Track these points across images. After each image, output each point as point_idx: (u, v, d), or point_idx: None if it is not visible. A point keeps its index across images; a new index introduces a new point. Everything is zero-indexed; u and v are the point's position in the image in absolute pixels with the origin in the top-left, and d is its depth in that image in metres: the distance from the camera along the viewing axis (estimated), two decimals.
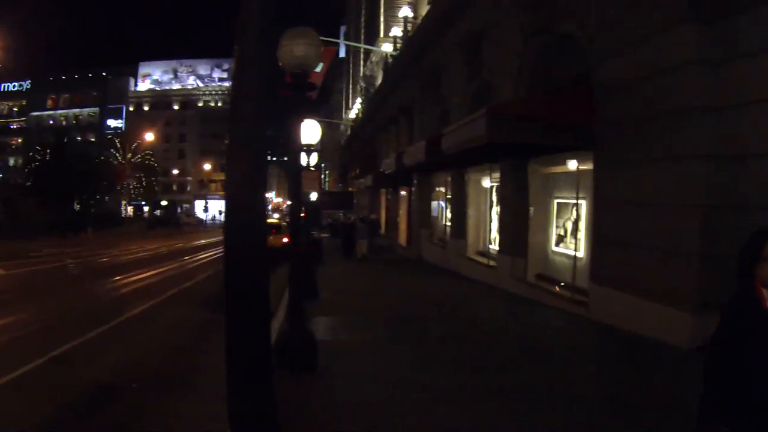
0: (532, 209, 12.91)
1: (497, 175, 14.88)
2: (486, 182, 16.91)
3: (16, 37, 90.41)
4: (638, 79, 8.03)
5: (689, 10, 6.91)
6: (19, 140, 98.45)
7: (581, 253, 10.71)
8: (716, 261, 6.46)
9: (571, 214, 11.36)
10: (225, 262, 2.88)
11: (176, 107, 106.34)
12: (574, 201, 11.11)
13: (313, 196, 16.35)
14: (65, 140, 59.10)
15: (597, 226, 9.45)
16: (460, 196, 18.36)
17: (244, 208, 2.96)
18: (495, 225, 15.92)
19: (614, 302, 8.54)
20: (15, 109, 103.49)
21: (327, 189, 65.41)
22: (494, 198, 16.14)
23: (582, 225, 10.78)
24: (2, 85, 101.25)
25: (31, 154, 63.90)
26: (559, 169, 12.24)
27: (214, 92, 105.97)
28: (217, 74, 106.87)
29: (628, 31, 8.29)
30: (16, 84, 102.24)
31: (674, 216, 7.29)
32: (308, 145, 12.10)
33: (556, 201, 12.35)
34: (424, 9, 26.04)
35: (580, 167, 10.75)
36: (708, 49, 6.71)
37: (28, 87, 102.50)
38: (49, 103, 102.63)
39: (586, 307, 9.54)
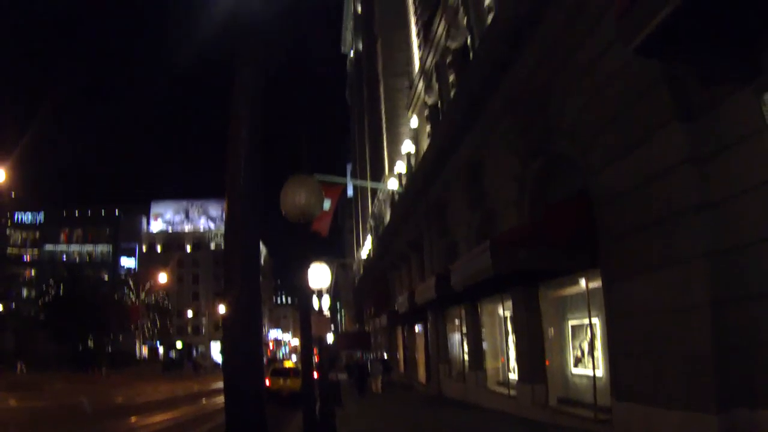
0: (551, 330, 12.58)
1: (510, 303, 14.61)
2: (500, 311, 16.59)
3: (29, 168, 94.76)
4: (633, 188, 8.01)
5: (672, 111, 6.99)
6: (32, 272, 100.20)
7: (600, 372, 10.28)
8: (732, 356, 6.22)
9: (586, 334, 11.00)
10: (225, 399, 2.98)
11: (189, 248, 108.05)
12: (588, 320, 10.78)
13: (330, 338, 16.16)
14: (78, 277, 59.70)
15: (612, 340, 9.13)
16: (476, 327, 18.01)
17: (241, 345, 3.04)
18: (512, 353, 15.42)
19: (638, 416, 8.06)
20: (28, 240, 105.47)
21: (343, 329, 64.67)
22: (509, 326, 15.75)
23: (598, 343, 10.41)
24: (16, 215, 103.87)
25: (44, 287, 64.46)
26: (569, 290, 12.02)
27: None
28: None
29: (616, 142, 8.38)
30: (29, 215, 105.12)
31: (684, 318, 7.01)
32: (320, 289, 12.08)
33: (570, 323, 12.00)
34: (425, 143, 26.92)
35: (590, 285, 10.52)
36: (695, 146, 6.72)
37: (42, 220, 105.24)
38: (63, 237, 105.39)
39: (610, 426, 9.02)
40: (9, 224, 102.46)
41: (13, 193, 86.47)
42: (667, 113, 7.04)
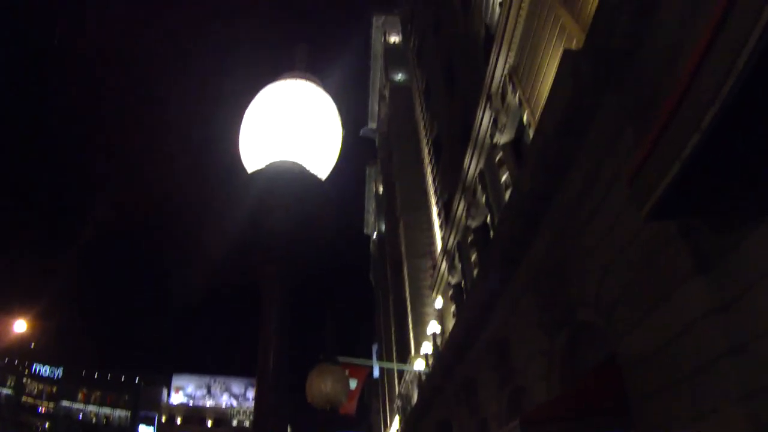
0: None
1: None
2: None
3: (51, 323, 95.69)
4: (660, 346, 7.79)
5: (691, 264, 6.95)
6: (47, 425, 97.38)
7: None
8: None
9: None
10: None
11: (210, 423, 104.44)
12: None
13: None
14: None
15: None
16: None
17: None
18: None
19: None
20: (44, 392, 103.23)
21: None
22: None
23: None
24: (34, 366, 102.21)
25: None
26: None
27: (248, 412, 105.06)
28: (251, 393, 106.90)
29: (638, 305, 8.28)
30: (48, 368, 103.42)
31: None
32: None
33: None
34: (451, 323, 26.76)
35: None
36: (717, 294, 6.59)
37: (60, 375, 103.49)
38: (80, 396, 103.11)
39: None
40: (26, 373, 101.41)
41: (32, 344, 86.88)
42: (686, 266, 7.05)
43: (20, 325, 40.39)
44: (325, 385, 6.53)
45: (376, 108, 73.27)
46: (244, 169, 3.94)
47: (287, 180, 3.57)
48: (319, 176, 3.78)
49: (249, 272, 3.43)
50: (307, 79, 4.11)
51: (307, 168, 3.73)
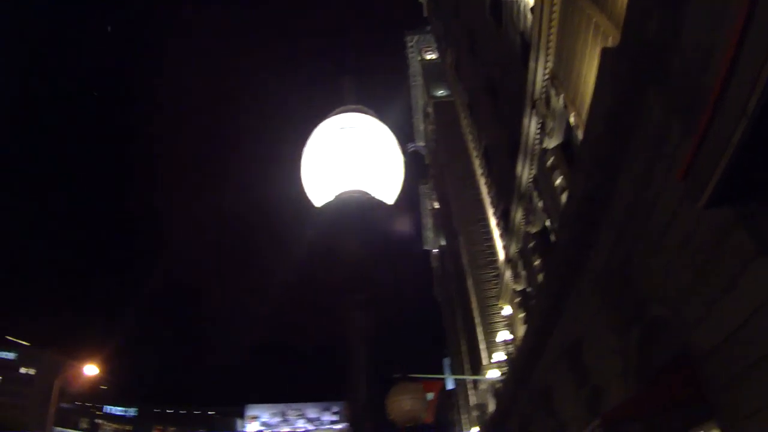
0: None
1: None
2: None
3: (122, 365, 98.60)
4: (731, 333, 7.76)
5: (754, 247, 6.94)
6: None
7: None
8: None
9: None
10: None
11: None
12: None
13: None
14: None
15: None
16: None
17: None
18: None
19: None
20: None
21: None
22: None
23: None
24: (106, 408, 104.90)
25: None
26: None
27: None
28: (327, 417, 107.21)
29: (705, 295, 8.26)
30: (121, 409, 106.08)
31: None
32: None
33: None
34: (521, 329, 26.64)
35: None
36: None
37: (134, 414, 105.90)
38: None
39: None
40: (99, 413, 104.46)
41: (105, 386, 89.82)
42: (749, 251, 7.06)
43: (91, 369, 41.62)
44: (405, 403, 6.82)
45: (421, 126, 73.64)
46: (309, 203, 4.15)
47: (359, 209, 3.73)
48: (387, 202, 3.97)
49: (330, 301, 3.73)
50: (360, 111, 4.29)
51: (375, 195, 3.89)
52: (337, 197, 3.86)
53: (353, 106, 4.33)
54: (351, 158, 4.00)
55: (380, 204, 3.90)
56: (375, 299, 3.64)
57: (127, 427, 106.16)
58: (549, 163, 18.30)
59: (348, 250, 3.62)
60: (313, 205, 4.12)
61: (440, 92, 59.45)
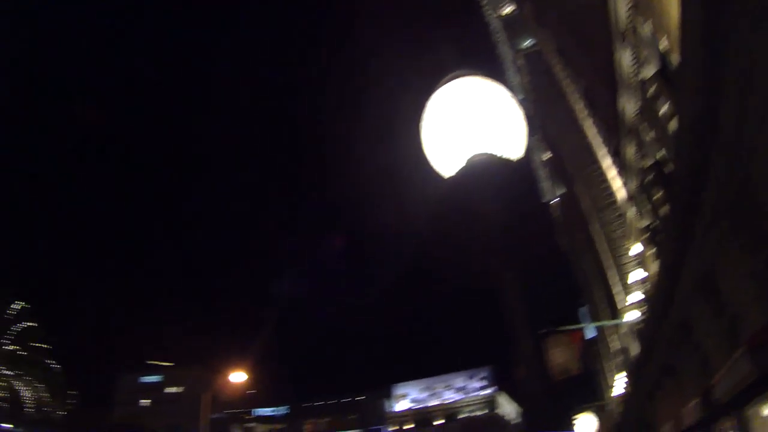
0: None
1: None
2: None
3: (268, 369, 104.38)
4: None
5: None
6: None
7: None
8: None
9: None
10: None
11: (438, 422, 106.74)
12: None
13: None
14: None
15: None
16: None
17: None
18: None
19: None
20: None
21: None
22: None
23: None
24: (255, 411, 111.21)
25: None
26: None
27: (474, 402, 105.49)
28: (473, 384, 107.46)
29: None
30: (271, 410, 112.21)
31: None
32: None
33: None
34: (653, 266, 25.85)
35: None
36: None
37: (285, 412, 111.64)
38: (307, 427, 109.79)
39: None
40: (248, 417, 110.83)
41: (253, 391, 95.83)
42: None
43: (239, 376, 43.22)
44: (558, 356, 7.03)
45: (516, 80, 71.95)
46: (436, 173, 4.27)
47: (495, 171, 3.82)
48: (514, 160, 4.02)
49: (476, 267, 3.87)
50: (473, 75, 4.35)
51: (504, 155, 3.97)
52: (468, 162, 3.96)
53: (464, 71, 4.39)
54: (472, 121, 4.07)
55: (510, 163, 3.97)
56: (522, 257, 3.78)
57: (279, 426, 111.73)
58: (650, 92, 17.53)
59: (490, 215, 3.72)
60: (440, 175, 4.22)
61: (526, 43, 57.77)
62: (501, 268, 3.64)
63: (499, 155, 3.92)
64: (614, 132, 26.57)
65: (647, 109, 18.73)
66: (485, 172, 3.79)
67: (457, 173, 3.93)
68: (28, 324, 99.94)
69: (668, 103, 16.24)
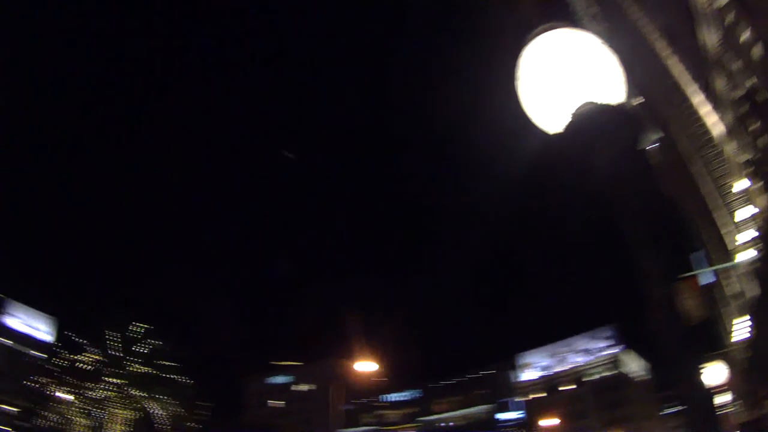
0: None
1: None
2: None
3: (399, 355, 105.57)
4: None
5: None
6: None
7: None
8: None
9: None
10: None
11: (566, 386, 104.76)
12: None
13: None
14: None
15: None
16: None
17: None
18: None
19: None
20: (407, 415, 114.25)
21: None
22: None
23: None
24: (385, 397, 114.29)
25: None
26: None
27: (601, 363, 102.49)
28: (599, 345, 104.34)
29: None
30: (401, 394, 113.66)
31: None
32: None
33: None
34: (763, 199, 24.54)
35: None
36: None
37: (417, 395, 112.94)
38: (443, 407, 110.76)
39: None
40: (379, 404, 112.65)
41: (384, 379, 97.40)
42: None
43: (368, 366, 43.37)
44: (685, 303, 7.03)
45: (593, 28, 69.19)
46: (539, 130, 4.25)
47: (606, 119, 3.80)
48: (618, 105, 3.97)
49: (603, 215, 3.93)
50: (558, 27, 4.34)
51: (609, 102, 3.92)
52: (575, 115, 3.95)
53: (547, 25, 4.37)
54: (569, 73, 4.06)
55: (620, 108, 3.97)
56: (646, 205, 3.80)
57: (410, 410, 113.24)
58: (728, 20, 16.65)
59: (612, 165, 3.76)
60: (545, 131, 4.22)
61: None
62: (630, 219, 3.67)
63: (605, 103, 3.89)
64: (700, 67, 25.30)
65: (729, 38, 17.80)
66: (599, 121, 3.78)
67: (567, 126, 3.92)
68: (155, 342, 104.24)
69: (749, 28, 15.40)
